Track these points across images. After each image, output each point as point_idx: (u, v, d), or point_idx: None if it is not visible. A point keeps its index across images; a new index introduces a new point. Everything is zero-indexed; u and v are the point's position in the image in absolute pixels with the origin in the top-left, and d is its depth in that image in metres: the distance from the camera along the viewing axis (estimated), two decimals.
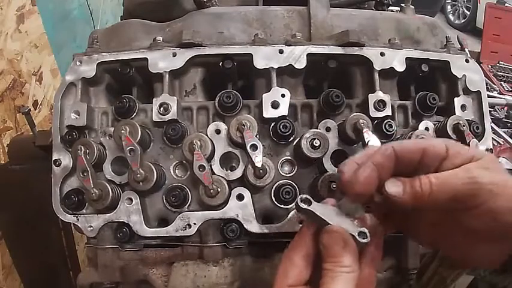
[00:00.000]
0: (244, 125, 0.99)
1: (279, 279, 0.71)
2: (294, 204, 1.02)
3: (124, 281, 1.12)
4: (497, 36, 5.92)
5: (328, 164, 1.03)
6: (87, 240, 1.13)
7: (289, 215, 1.02)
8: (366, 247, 0.74)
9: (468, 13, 8.90)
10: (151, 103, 1.05)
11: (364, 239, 0.71)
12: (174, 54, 1.09)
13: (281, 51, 1.09)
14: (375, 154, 0.71)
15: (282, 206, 1.02)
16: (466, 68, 1.17)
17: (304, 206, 0.73)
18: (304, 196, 0.74)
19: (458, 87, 1.16)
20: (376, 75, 1.11)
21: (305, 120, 1.11)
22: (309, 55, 1.09)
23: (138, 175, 0.97)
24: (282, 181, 1.03)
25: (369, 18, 1.24)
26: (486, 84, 2.28)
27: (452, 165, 0.69)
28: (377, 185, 0.70)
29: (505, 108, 4.39)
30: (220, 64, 1.09)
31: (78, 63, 1.11)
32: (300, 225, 1.02)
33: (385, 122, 1.07)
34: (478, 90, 1.17)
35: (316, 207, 0.73)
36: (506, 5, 6.41)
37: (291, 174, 1.06)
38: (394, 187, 0.70)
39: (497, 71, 5.55)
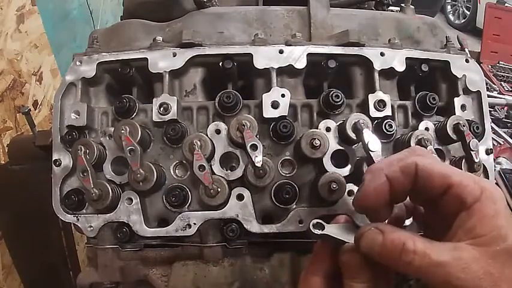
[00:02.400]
0: (244, 125, 0.99)
1: None
2: (294, 204, 1.02)
3: (124, 281, 1.12)
4: (497, 36, 5.92)
5: (328, 164, 1.03)
6: (87, 240, 1.13)
7: (289, 215, 1.02)
8: None
9: (468, 13, 8.91)
10: (151, 103, 1.05)
11: None
12: (174, 54, 1.09)
13: (281, 51, 1.09)
14: (394, 164, 0.67)
15: (282, 206, 1.02)
16: (466, 68, 1.17)
17: (319, 232, 0.72)
18: (315, 221, 0.73)
19: (458, 87, 1.16)
20: (376, 75, 1.12)
21: (305, 120, 1.11)
22: (309, 55, 1.09)
23: (138, 175, 0.97)
24: (282, 181, 1.03)
25: (369, 18, 1.24)
26: (486, 84, 2.28)
27: (467, 225, 0.61)
28: (388, 199, 0.67)
29: (505, 108, 4.39)
30: (220, 64, 1.09)
31: (78, 63, 1.11)
32: (301, 225, 1.02)
33: (385, 122, 1.07)
34: (478, 90, 1.17)
35: (330, 230, 0.72)
36: (506, 5, 6.40)
37: (291, 174, 1.06)
38: (367, 239, 0.65)
39: (497, 71, 5.55)
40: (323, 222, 0.73)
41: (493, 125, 3.78)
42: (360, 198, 0.70)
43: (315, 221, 0.73)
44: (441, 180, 0.64)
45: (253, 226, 1.01)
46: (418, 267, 0.59)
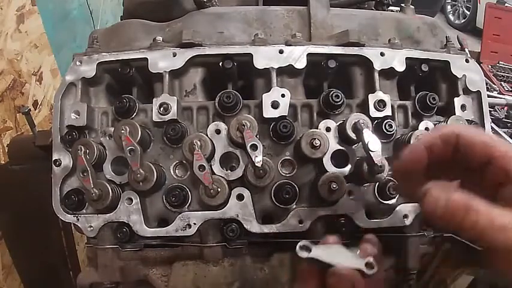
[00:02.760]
0: (244, 125, 0.99)
1: None
2: (294, 204, 1.02)
3: (124, 281, 1.12)
4: (497, 36, 5.91)
5: (328, 164, 1.03)
6: (87, 240, 1.13)
7: (289, 215, 1.02)
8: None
9: (468, 13, 8.90)
10: (151, 103, 1.05)
11: (371, 269, 0.70)
12: (174, 54, 1.09)
13: (281, 51, 1.09)
14: (434, 133, 0.70)
15: (282, 206, 1.02)
16: (466, 68, 1.17)
17: (305, 255, 0.71)
18: (301, 243, 0.72)
19: (458, 87, 1.16)
20: (376, 75, 1.12)
21: (305, 120, 1.11)
22: (309, 55, 1.09)
23: (138, 175, 0.97)
24: (282, 181, 1.03)
25: (369, 18, 1.24)
26: (486, 84, 2.28)
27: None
28: (425, 165, 0.69)
29: (505, 108, 4.38)
30: (220, 64, 1.09)
31: (78, 63, 1.11)
32: (301, 225, 1.02)
33: (385, 122, 1.07)
34: (478, 90, 1.17)
35: (317, 252, 0.72)
36: (506, 5, 6.40)
37: (291, 174, 1.06)
38: (432, 198, 0.63)
39: (497, 71, 5.54)
40: (309, 245, 0.72)
41: (493, 125, 3.77)
42: (398, 163, 0.71)
43: (301, 243, 0.72)
44: (483, 151, 0.64)
45: (253, 226, 1.01)
46: (481, 230, 0.58)
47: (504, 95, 4.69)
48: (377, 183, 1.06)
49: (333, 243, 0.76)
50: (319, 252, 0.72)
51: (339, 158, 1.04)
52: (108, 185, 1.00)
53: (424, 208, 0.64)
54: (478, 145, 0.65)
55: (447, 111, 1.14)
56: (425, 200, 0.63)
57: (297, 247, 0.72)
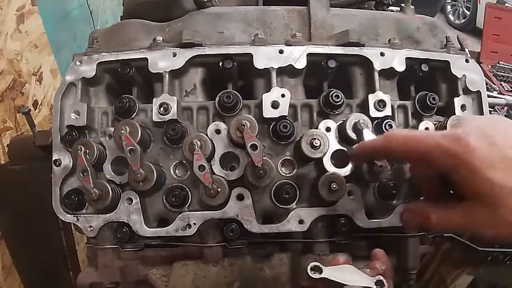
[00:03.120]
0: (244, 125, 0.98)
1: None
2: (294, 204, 1.02)
3: (124, 281, 1.12)
4: (497, 36, 5.91)
5: (328, 164, 1.03)
6: (87, 240, 1.13)
7: (289, 215, 1.02)
8: None
9: (468, 13, 8.90)
10: (151, 103, 1.05)
11: (382, 287, 0.74)
12: (174, 54, 1.09)
13: (281, 51, 1.09)
14: (370, 143, 0.91)
15: (282, 206, 1.02)
16: (466, 68, 1.17)
17: (317, 276, 0.73)
18: (312, 264, 0.73)
19: (458, 87, 1.16)
20: (376, 75, 1.12)
21: (305, 120, 1.11)
22: (309, 55, 1.09)
23: (138, 175, 0.97)
24: (282, 181, 1.03)
25: (369, 18, 1.24)
26: (486, 84, 2.27)
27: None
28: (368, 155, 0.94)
29: (505, 108, 4.38)
30: (220, 64, 1.09)
31: (78, 63, 1.11)
32: (301, 225, 1.02)
33: (385, 122, 1.07)
34: (478, 90, 1.17)
35: (328, 273, 0.73)
36: (506, 5, 6.39)
37: (291, 174, 1.06)
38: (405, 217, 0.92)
39: (497, 71, 5.54)
40: (321, 266, 0.73)
41: None
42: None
43: (312, 264, 0.73)
44: (404, 148, 0.78)
45: (253, 226, 1.01)
46: (442, 229, 0.86)
47: (504, 95, 4.68)
48: (377, 183, 1.06)
49: (343, 263, 0.77)
50: (331, 272, 0.73)
51: (339, 158, 1.04)
52: (108, 185, 1.00)
53: (404, 227, 0.94)
54: (408, 156, 0.81)
55: (447, 111, 1.14)
56: (402, 223, 0.93)
57: (308, 268, 0.73)
